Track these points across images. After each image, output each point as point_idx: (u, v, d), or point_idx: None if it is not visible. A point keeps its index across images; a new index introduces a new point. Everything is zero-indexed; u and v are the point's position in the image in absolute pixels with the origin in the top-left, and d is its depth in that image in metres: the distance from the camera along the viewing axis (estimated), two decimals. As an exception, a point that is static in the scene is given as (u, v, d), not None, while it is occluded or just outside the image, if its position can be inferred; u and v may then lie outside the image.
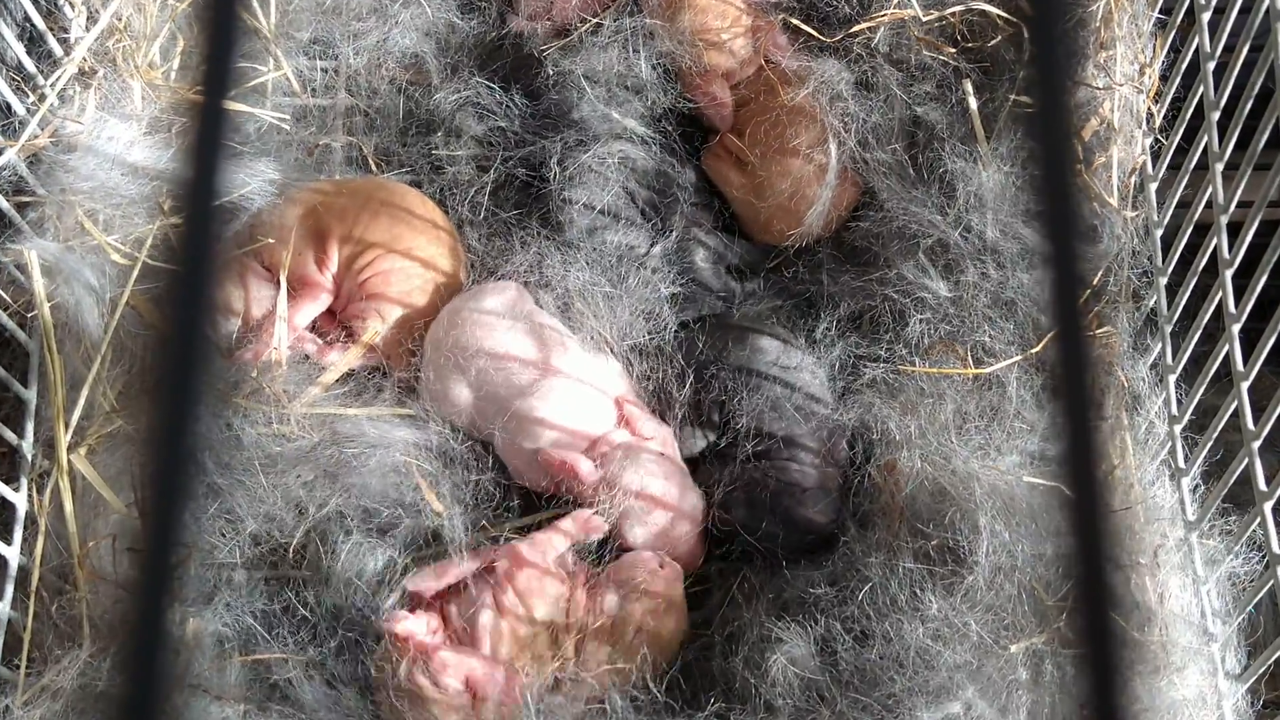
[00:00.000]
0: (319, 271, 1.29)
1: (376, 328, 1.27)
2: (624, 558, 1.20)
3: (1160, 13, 1.31)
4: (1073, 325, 0.24)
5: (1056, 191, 0.24)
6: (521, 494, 1.27)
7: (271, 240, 1.31)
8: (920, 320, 1.24)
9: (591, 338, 1.28)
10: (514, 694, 1.11)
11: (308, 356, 1.27)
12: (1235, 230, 1.09)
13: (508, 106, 1.37)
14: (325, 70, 1.44)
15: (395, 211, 1.31)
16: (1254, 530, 1.05)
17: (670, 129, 1.37)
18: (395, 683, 1.11)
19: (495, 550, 1.18)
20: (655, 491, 1.22)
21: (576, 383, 1.24)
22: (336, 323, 1.31)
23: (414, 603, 1.18)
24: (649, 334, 1.29)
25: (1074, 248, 0.24)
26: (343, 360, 1.26)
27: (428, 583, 1.17)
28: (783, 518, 1.21)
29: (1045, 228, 0.24)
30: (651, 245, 1.33)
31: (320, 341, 1.29)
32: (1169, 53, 1.28)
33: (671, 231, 1.35)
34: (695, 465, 1.28)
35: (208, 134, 0.32)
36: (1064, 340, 0.24)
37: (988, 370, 1.20)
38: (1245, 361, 1.05)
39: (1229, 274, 1.08)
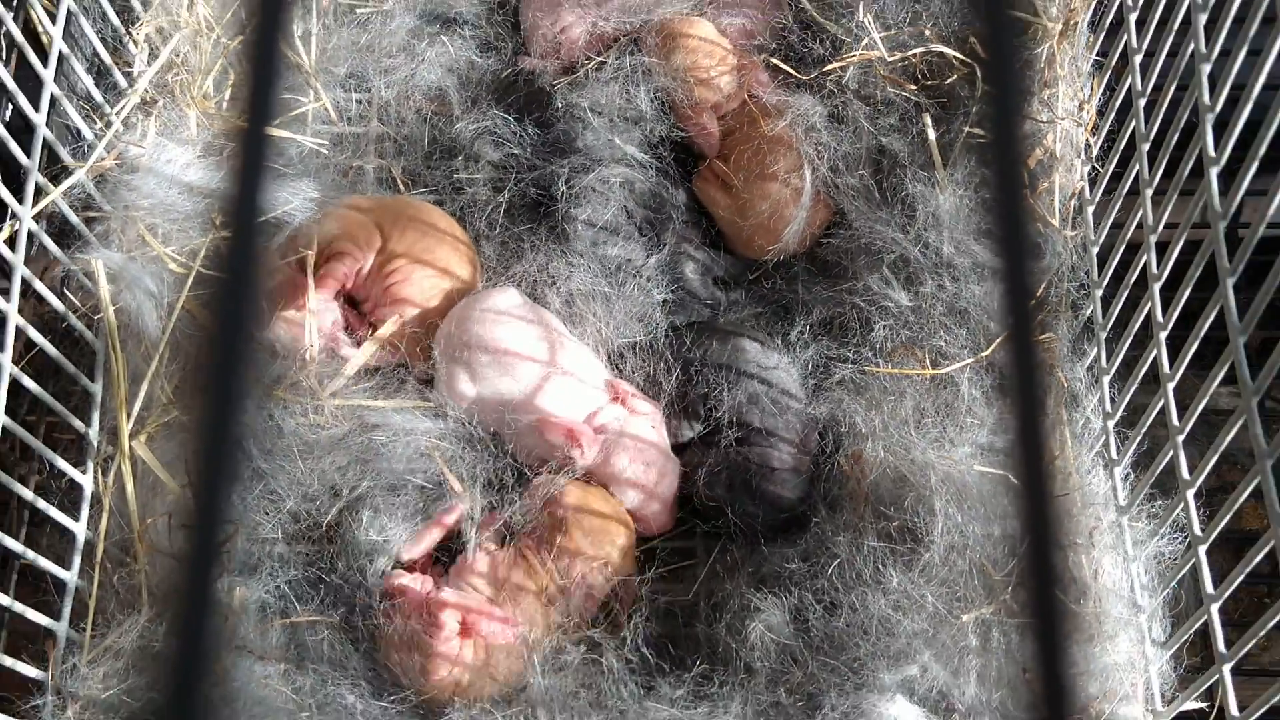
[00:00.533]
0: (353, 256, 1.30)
1: (391, 327, 1.27)
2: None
3: (1098, 55, 1.31)
4: (1024, 331, 0.24)
5: (1009, 213, 0.24)
6: (533, 471, 1.26)
7: (309, 252, 1.30)
8: (884, 326, 1.24)
9: (589, 332, 1.28)
10: (510, 635, 1.10)
11: (342, 357, 1.27)
12: (1163, 249, 1.09)
13: (520, 135, 1.37)
14: (359, 101, 1.45)
15: (421, 225, 1.31)
16: (1178, 515, 1.05)
17: (665, 155, 1.37)
18: (397, 637, 1.11)
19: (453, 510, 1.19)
20: (638, 475, 1.23)
21: (575, 364, 1.25)
22: (366, 324, 1.30)
23: (408, 568, 1.18)
24: (643, 334, 1.29)
25: (1025, 263, 0.24)
26: (362, 353, 1.25)
27: (414, 550, 1.18)
28: (759, 497, 1.21)
29: (999, 245, 0.24)
30: (647, 257, 1.33)
31: (352, 343, 1.29)
32: (1105, 90, 1.28)
33: (665, 246, 1.35)
34: (682, 451, 1.28)
35: (251, 157, 0.32)
36: (1015, 344, 0.24)
37: (943, 371, 1.20)
38: (1171, 364, 1.05)
39: (1157, 287, 1.08)
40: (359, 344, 1.28)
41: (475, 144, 1.39)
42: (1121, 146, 1.21)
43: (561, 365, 1.24)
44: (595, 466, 1.23)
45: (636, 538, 1.23)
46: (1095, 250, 1.26)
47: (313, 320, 1.24)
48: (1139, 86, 1.15)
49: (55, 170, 1.23)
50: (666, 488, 1.24)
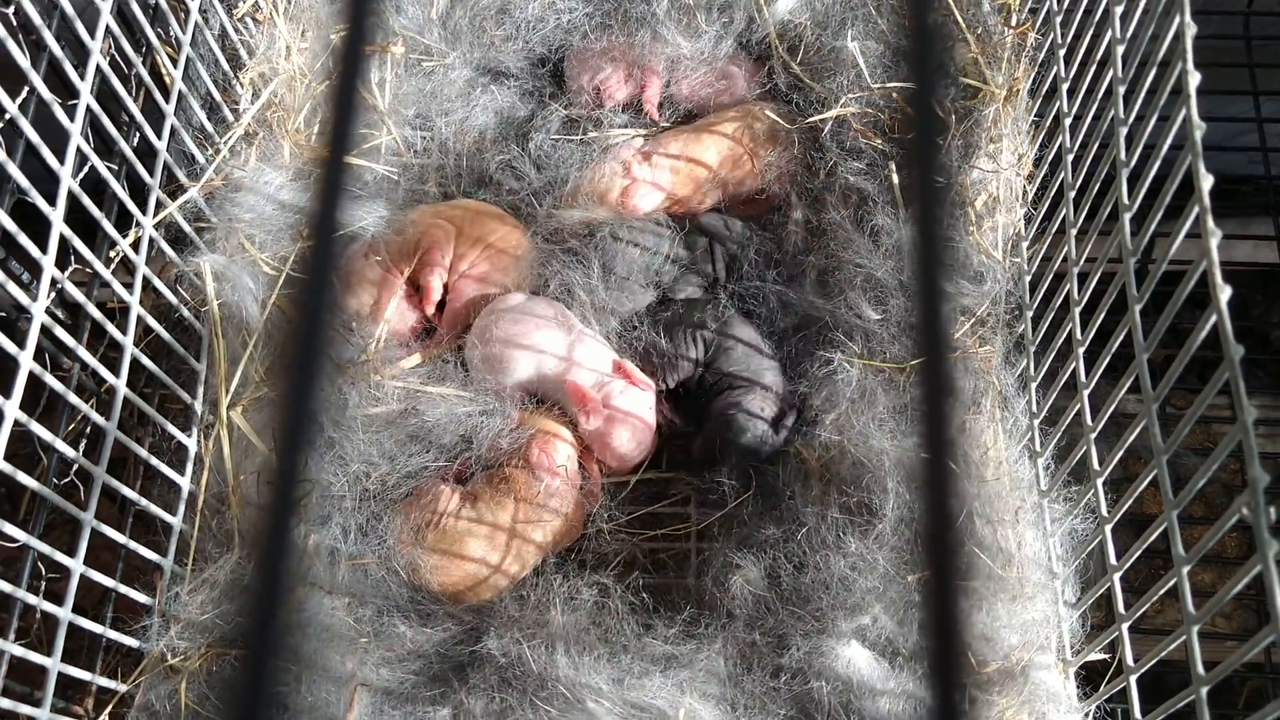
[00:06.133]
0: (440, 261, 1.32)
1: (443, 348, 1.29)
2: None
3: (1035, 116, 1.31)
4: (934, 331, 0.25)
5: (928, 243, 0.25)
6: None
7: (380, 258, 1.32)
8: (854, 332, 1.25)
9: (591, 314, 1.30)
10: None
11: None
12: (1083, 278, 1.09)
13: (531, 171, 1.40)
14: (423, 137, 1.46)
15: (484, 219, 1.34)
16: (1089, 498, 1.05)
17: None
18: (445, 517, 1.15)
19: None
20: (623, 440, 1.25)
21: (585, 345, 1.27)
22: (439, 317, 1.32)
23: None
24: (653, 320, 1.31)
25: (938, 282, 0.25)
26: (414, 358, 1.28)
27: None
28: (735, 429, 1.25)
29: (918, 265, 0.25)
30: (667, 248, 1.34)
31: (416, 346, 1.31)
32: (1040, 146, 1.28)
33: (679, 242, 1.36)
34: (674, 394, 1.32)
35: (331, 181, 0.32)
36: (926, 344, 0.25)
37: (901, 365, 1.20)
38: (1087, 374, 1.05)
39: (1077, 310, 1.09)
40: (428, 345, 1.30)
41: (496, 174, 1.41)
42: (1052, 193, 1.21)
43: (574, 345, 1.26)
44: (596, 428, 1.24)
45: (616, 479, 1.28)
46: (1028, 278, 1.26)
47: (390, 315, 1.26)
48: (1068, 144, 1.16)
49: (173, 188, 1.24)
50: (640, 451, 1.27)
